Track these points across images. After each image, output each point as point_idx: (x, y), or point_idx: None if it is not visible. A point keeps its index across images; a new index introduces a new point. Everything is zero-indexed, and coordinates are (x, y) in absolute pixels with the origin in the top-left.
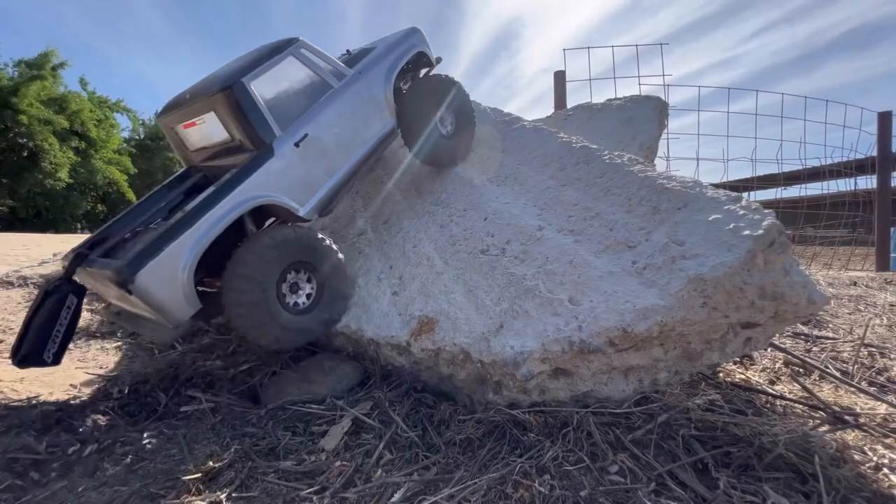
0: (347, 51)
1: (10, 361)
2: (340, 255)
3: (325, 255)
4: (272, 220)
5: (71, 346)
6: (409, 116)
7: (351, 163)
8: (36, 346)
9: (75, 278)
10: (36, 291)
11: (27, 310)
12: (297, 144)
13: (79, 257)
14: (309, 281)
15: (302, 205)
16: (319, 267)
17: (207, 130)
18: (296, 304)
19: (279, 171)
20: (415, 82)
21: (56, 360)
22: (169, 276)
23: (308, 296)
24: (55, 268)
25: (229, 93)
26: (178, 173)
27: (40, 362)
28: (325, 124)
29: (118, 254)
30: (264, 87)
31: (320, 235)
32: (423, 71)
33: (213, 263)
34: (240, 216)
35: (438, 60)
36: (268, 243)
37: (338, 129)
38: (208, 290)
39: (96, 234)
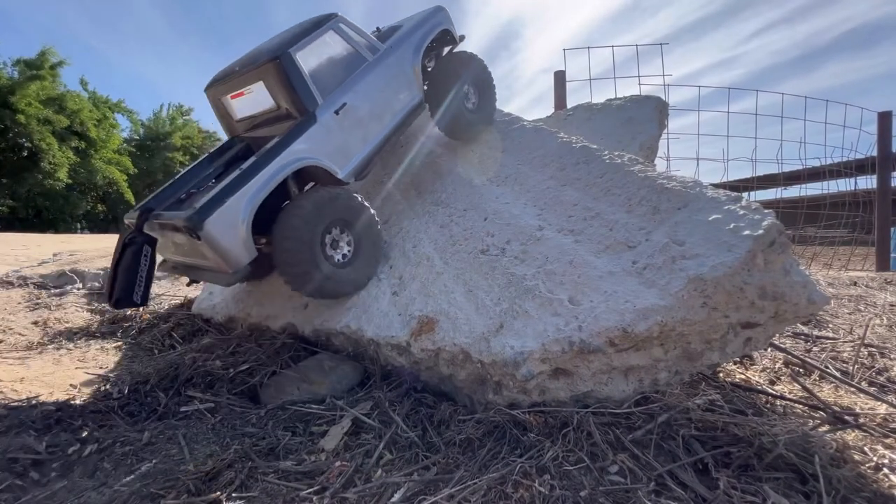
0: (378, 28)
1: (8, 360)
2: (375, 217)
3: (362, 216)
4: (310, 184)
5: (70, 345)
6: (437, 91)
7: (383, 132)
8: (125, 290)
9: (145, 231)
10: (36, 291)
11: (112, 259)
12: (336, 112)
13: (145, 213)
14: (347, 238)
15: (341, 168)
16: (356, 226)
17: (254, 100)
18: (337, 258)
19: (321, 136)
20: (442, 58)
21: (143, 301)
22: (231, 224)
23: (346, 252)
24: (55, 268)
25: (278, 63)
26: (220, 144)
27: (131, 303)
28: (361, 95)
29: (181, 208)
30: (308, 59)
31: (358, 197)
32: (447, 48)
33: (259, 223)
34: (285, 178)
35: (461, 38)
36: (313, 202)
37: (372, 100)
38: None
39: (151, 197)
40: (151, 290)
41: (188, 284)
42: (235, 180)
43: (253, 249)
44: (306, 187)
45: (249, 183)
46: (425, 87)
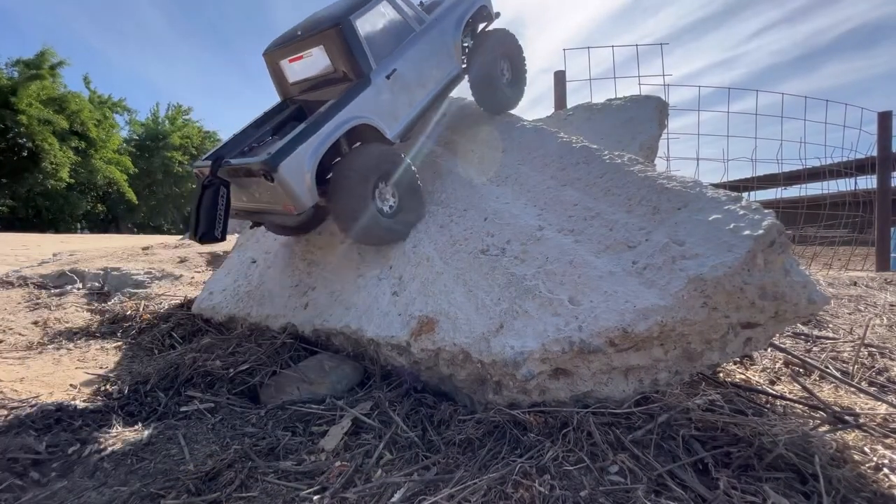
0: (421, 2)
1: (8, 360)
2: (417, 175)
3: (406, 173)
4: (357, 143)
5: (70, 345)
6: (475, 65)
7: (426, 98)
8: (208, 227)
9: (219, 175)
10: (36, 291)
11: (195, 199)
12: (388, 77)
13: (217, 160)
14: (392, 192)
15: (389, 129)
16: (400, 181)
17: (312, 63)
18: (384, 209)
19: (374, 98)
20: (479, 34)
21: (223, 236)
22: (300, 169)
23: (392, 204)
24: (55, 268)
25: (339, 29)
26: (273, 106)
27: (213, 238)
28: (409, 62)
29: (251, 157)
30: (365, 26)
31: (403, 155)
32: (483, 25)
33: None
34: (340, 136)
35: (497, 15)
36: (367, 157)
37: (418, 68)
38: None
39: (217, 149)
40: (151, 290)
41: (252, 227)
42: (301, 133)
43: (316, 195)
44: (354, 146)
45: (314, 136)
46: (464, 61)
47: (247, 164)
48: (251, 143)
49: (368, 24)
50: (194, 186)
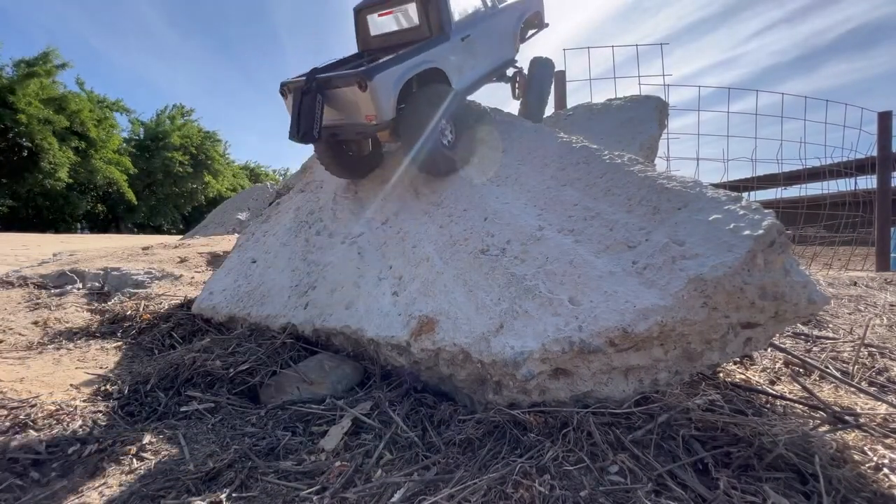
0: None
1: (8, 360)
2: (469, 115)
3: (463, 111)
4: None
5: (70, 345)
6: (535, 93)
7: (486, 69)
8: (308, 128)
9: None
10: (36, 291)
11: (295, 106)
12: (462, 39)
13: (313, 72)
14: (450, 128)
15: (455, 83)
16: (458, 118)
17: (400, 18)
18: (444, 142)
19: (449, 52)
20: (539, 62)
21: (319, 136)
22: (388, 85)
23: (450, 138)
24: (55, 268)
25: None
26: (352, 53)
27: (312, 138)
28: (479, 33)
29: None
30: None
31: (462, 97)
32: (533, 31)
33: None
34: (418, 73)
35: (546, 25)
36: (436, 92)
37: (485, 41)
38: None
39: (306, 72)
40: (151, 290)
41: (330, 137)
42: (392, 59)
43: (394, 111)
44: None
45: (401, 64)
46: (517, 50)
47: (345, 75)
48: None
49: None
50: (288, 97)
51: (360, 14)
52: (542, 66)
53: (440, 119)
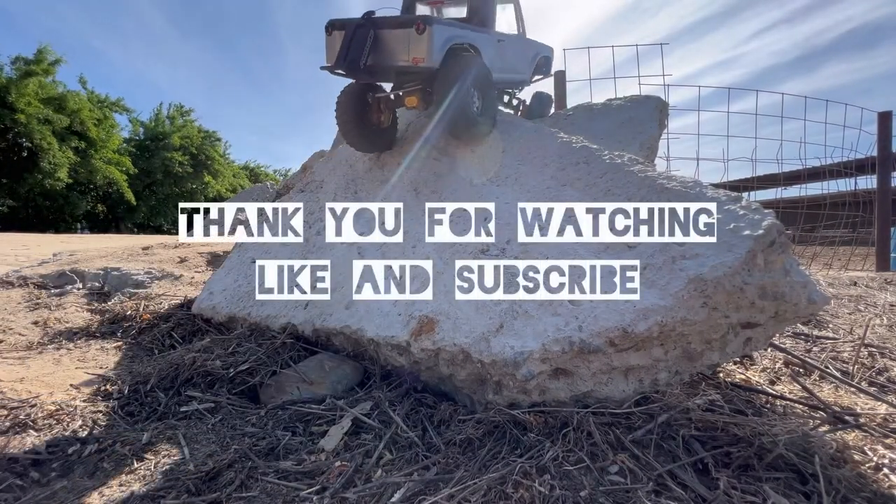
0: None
1: (8, 360)
2: (495, 85)
3: (490, 82)
4: None
5: (70, 345)
6: (536, 110)
7: (507, 76)
8: (354, 58)
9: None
10: (36, 291)
11: (346, 40)
12: (498, 41)
13: (369, 13)
14: (478, 95)
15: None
16: (485, 88)
17: (449, 10)
18: (474, 109)
19: (487, 43)
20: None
21: (364, 70)
22: (441, 37)
23: (478, 105)
24: (55, 268)
25: None
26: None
27: (357, 69)
28: (508, 45)
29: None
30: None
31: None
32: (538, 77)
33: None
34: (459, 43)
35: (551, 75)
36: (469, 61)
37: (512, 52)
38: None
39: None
40: (151, 290)
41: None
42: (445, 20)
43: (440, 60)
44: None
45: (453, 27)
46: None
47: (404, 17)
48: None
49: (500, 4)
50: (332, 34)
51: (412, 4)
52: (541, 100)
53: (472, 83)
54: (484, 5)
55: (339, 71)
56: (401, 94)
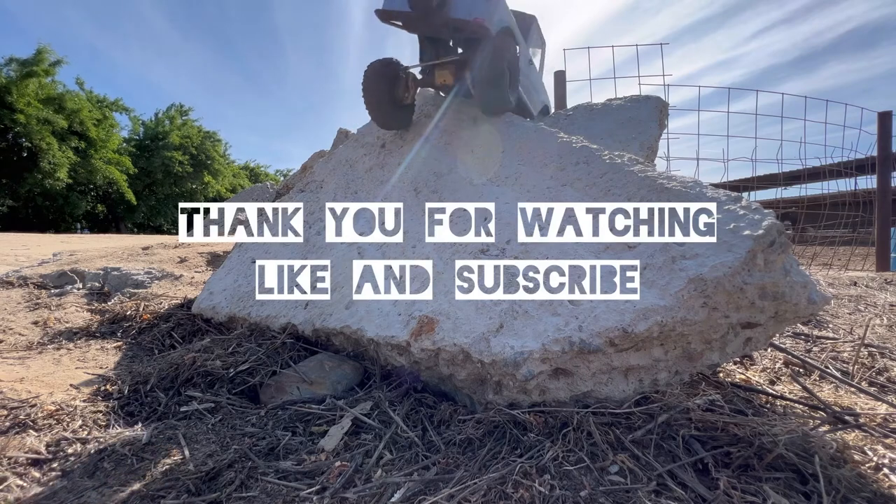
0: None
1: (8, 360)
2: (520, 65)
3: (517, 65)
4: None
5: (70, 345)
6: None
7: (529, 95)
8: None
9: None
10: (36, 291)
11: None
12: (529, 61)
13: None
14: (510, 74)
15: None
16: (512, 67)
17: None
18: (506, 82)
19: (521, 58)
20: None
21: (430, 9)
22: (500, 12)
23: (508, 81)
24: (55, 268)
25: (532, 16)
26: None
27: (432, 8)
28: (532, 70)
29: None
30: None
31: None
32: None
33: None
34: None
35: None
36: (505, 38)
37: (538, 78)
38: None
39: None
40: (151, 290)
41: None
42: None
43: (494, 31)
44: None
45: (507, 10)
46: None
47: None
48: None
49: (535, 29)
50: None
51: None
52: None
53: (511, 60)
54: (526, 18)
55: (400, 13)
56: (436, 64)
